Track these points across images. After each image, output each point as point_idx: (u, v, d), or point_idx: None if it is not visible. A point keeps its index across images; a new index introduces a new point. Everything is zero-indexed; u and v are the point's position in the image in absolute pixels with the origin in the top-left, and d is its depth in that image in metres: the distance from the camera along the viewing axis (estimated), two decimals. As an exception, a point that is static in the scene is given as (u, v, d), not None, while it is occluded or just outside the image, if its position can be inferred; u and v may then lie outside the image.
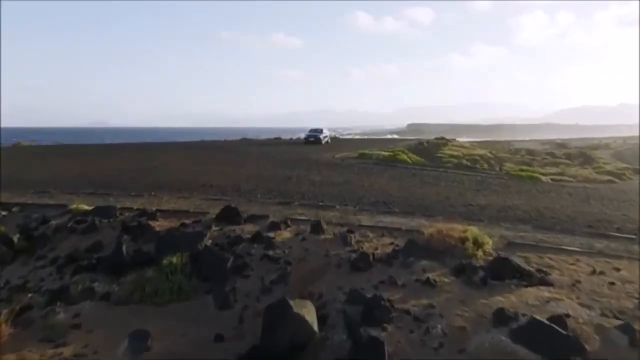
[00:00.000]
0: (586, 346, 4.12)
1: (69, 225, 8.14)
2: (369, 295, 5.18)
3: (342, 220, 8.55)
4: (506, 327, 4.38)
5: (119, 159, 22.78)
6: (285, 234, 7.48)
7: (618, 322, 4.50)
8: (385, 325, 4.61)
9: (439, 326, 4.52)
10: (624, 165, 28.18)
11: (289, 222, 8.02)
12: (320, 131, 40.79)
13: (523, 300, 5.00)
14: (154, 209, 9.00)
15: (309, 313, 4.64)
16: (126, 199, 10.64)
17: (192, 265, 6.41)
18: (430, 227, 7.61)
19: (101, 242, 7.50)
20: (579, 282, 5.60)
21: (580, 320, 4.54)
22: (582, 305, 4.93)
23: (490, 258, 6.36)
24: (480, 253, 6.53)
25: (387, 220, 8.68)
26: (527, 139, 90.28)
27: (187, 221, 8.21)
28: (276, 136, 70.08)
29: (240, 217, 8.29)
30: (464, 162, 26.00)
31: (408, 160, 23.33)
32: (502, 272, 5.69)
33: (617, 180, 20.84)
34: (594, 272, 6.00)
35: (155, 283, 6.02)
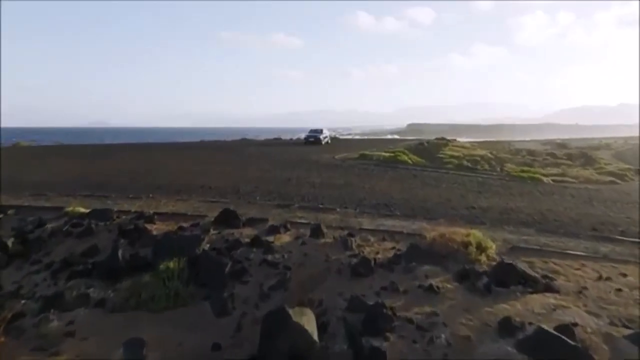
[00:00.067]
0: (595, 357, 3.98)
1: (64, 229, 8.01)
2: (371, 303, 5.05)
3: (342, 223, 8.42)
4: (512, 338, 4.24)
5: (117, 159, 22.65)
6: (285, 238, 7.35)
7: (627, 332, 4.37)
8: (387, 334, 4.47)
9: (443, 336, 4.39)
10: (626, 166, 28.02)
11: (288, 226, 7.89)
12: (320, 131, 40.66)
13: (529, 308, 4.87)
14: (151, 211, 8.88)
15: (308, 322, 4.50)
16: (124, 201, 10.51)
17: (189, 271, 6.26)
18: (432, 231, 7.49)
19: (97, 246, 7.35)
20: (586, 288, 5.46)
21: (589, 330, 4.41)
22: (589, 313, 4.79)
23: (494, 263, 6.24)
24: (483, 258, 6.41)
25: (389, 223, 8.55)
26: (527, 139, 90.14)
27: (185, 224, 8.08)
28: (276, 136, 69.98)
29: (239, 220, 8.16)
30: (465, 162, 25.84)
31: (409, 161, 23.18)
32: (507, 278, 5.56)
33: (619, 181, 20.68)
34: (600, 277, 5.87)
35: (151, 289, 5.87)
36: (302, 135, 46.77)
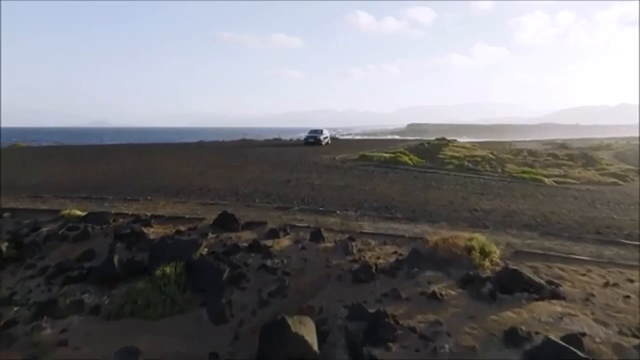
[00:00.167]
0: (605, 369, 3.86)
1: (60, 233, 7.87)
2: (372, 311, 4.91)
3: (343, 226, 8.27)
4: (519, 348, 4.10)
5: (116, 160, 22.52)
6: (284, 242, 7.21)
7: (637, 342, 4.23)
8: (389, 344, 4.33)
9: (446, 346, 4.25)
10: (628, 167, 27.89)
11: (287, 229, 7.75)
12: (320, 132, 40.52)
13: (535, 317, 4.72)
14: (148, 214, 8.74)
15: (308, 331, 4.36)
16: (121, 203, 10.38)
17: (186, 276, 6.13)
18: (434, 235, 7.35)
19: (93, 250, 7.21)
20: (593, 295, 5.32)
21: (597, 340, 4.27)
22: (597, 322, 4.65)
23: (498, 268, 6.11)
24: (487, 263, 6.27)
25: (390, 226, 8.40)
26: (527, 139, 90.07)
27: (182, 228, 7.94)
28: (276, 136, 69.85)
29: (238, 223, 8.02)
30: (466, 163, 25.71)
31: (409, 162, 23.04)
32: (512, 284, 5.42)
33: (621, 182, 20.54)
34: (607, 283, 5.72)
35: (147, 295, 5.74)
36: (302, 136, 46.67)
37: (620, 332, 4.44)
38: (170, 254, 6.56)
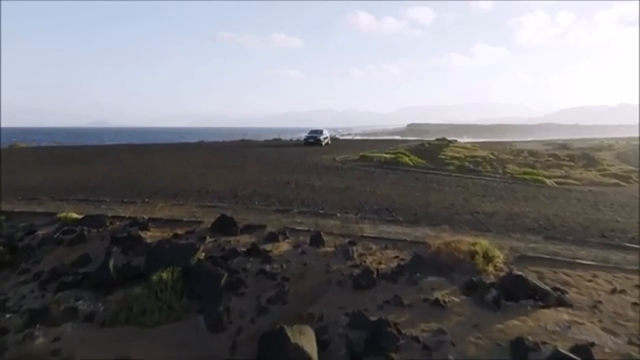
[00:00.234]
0: (615, 381, 3.72)
1: (55, 236, 7.73)
2: (374, 319, 4.77)
3: (343, 230, 8.14)
4: (526, 360, 3.96)
5: (115, 161, 22.39)
6: (283, 246, 7.07)
7: (648, 352, 4.10)
8: (391, 354, 4.19)
9: (451, 357, 4.11)
10: (630, 168, 27.77)
11: (287, 233, 7.61)
12: (320, 132, 40.40)
13: (542, 325, 4.58)
14: (146, 217, 8.60)
15: (308, 341, 4.23)
16: (118, 206, 10.24)
17: (183, 282, 5.99)
18: (436, 239, 7.22)
19: (89, 254, 7.07)
20: (600, 302, 5.18)
21: (607, 350, 4.13)
22: (606, 331, 4.51)
23: (502, 273, 5.97)
24: (490, 268, 6.14)
25: (391, 230, 8.27)
26: (528, 139, 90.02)
27: (180, 232, 7.80)
28: (276, 136, 69.72)
29: (236, 227, 7.87)
30: (467, 164, 25.59)
31: (410, 162, 22.92)
32: (517, 291, 5.27)
33: (623, 183, 20.43)
34: (614, 290, 5.58)
35: (143, 302, 5.59)
36: (302, 136, 46.56)
37: (630, 342, 4.30)
38: (167, 259, 6.42)
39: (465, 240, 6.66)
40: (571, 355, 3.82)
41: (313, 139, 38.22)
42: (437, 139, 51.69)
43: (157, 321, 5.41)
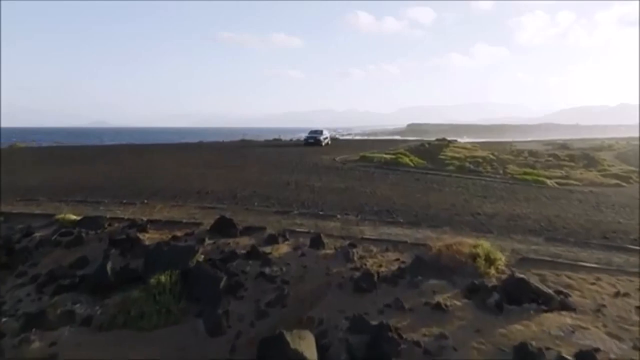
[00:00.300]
0: (621, 388, 3.65)
1: (53, 238, 7.66)
2: (374, 323, 4.71)
3: (343, 231, 8.08)
4: (530, 366, 3.90)
5: (114, 161, 22.31)
6: (283, 249, 7.01)
7: (653, 358, 4.03)
8: (393, 360, 4.13)
9: (453, 363, 4.04)
10: (630, 168, 27.71)
11: (287, 235, 7.54)
12: (320, 132, 40.33)
13: (545, 330, 4.52)
14: (144, 219, 8.54)
15: (308, 347, 4.16)
16: (117, 207, 10.18)
17: (182, 285, 5.92)
18: (437, 241, 7.16)
19: (86, 257, 7.00)
20: (604, 306, 5.11)
21: (612, 356, 4.07)
22: (610, 335, 4.44)
23: (504, 276, 5.91)
24: (492, 271, 6.07)
25: (392, 231, 8.20)
26: (528, 139, 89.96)
27: (179, 233, 7.73)
28: (276, 137, 69.64)
29: (236, 228, 7.81)
30: (467, 164, 25.52)
31: (410, 163, 22.85)
32: (519, 294, 5.21)
33: (624, 184, 20.36)
34: (617, 293, 5.52)
35: (141, 305, 5.53)
36: (302, 136, 46.51)
37: (635, 347, 4.24)
38: (166, 261, 6.35)
39: (467, 242, 6.59)
40: (575, 361, 3.76)
41: (313, 139, 38.16)
42: (437, 139, 51.64)
43: (155, 325, 5.34)
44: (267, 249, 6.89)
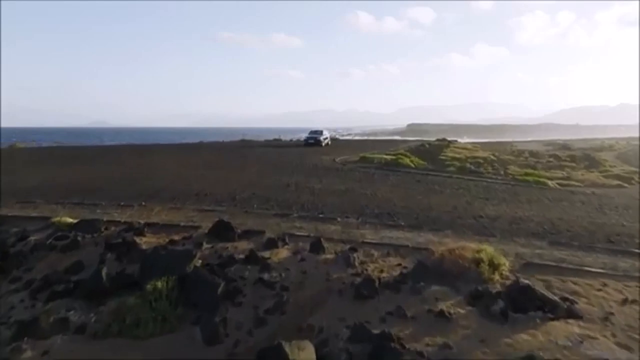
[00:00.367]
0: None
1: (48, 242, 7.52)
2: (376, 332, 4.58)
3: (343, 235, 7.94)
4: (538, 379, 3.76)
5: (113, 163, 22.17)
6: (282, 253, 6.87)
7: (665, 369, 3.90)
8: (395, 371, 4.00)
9: (458, 375, 3.91)
10: (631, 169, 27.56)
11: (286, 239, 7.41)
12: (320, 133, 40.21)
13: (552, 340, 4.38)
14: (142, 222, 8.40)
15: (307, 356, 4.04)
16: (114, 209, 10.04)
17: (179, 291, 5.79)
18: (440, 245, 7.04)
19: (82, 261, 6.87)
20: (612, 314, 4.98)
21: (622, 367, 3.94)
22: (620, 345, 4.31)
23: (508, 282, 5.78)
24: (496, 276, 5.94)
25: (393, 235, 8.06)
26: (528, 139, 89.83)
27: (176, 237, 7.60)
28: (276, 137, 69.49)
29: (234, 232, 7.68)
30: (468, 165, 25.38)
31: (411, 164, 22.71)
32: (524, 302, 5.07)
33: (626, 184, 20.21)
34: (625, 300, 5.38)
35: (137, 312, 5.39)
36: (303, 136, 46.40)
37: (645, 358, 4.11)
38: (163, 266, 6.23)
39: (470, 247, 6.46)
40: (585, 374, 3.63)
41: (313, 140, 38.05)
42: (438, 140, 51.50)
43: (150, 333, 5.21)
44: (266, 254, 6.76)
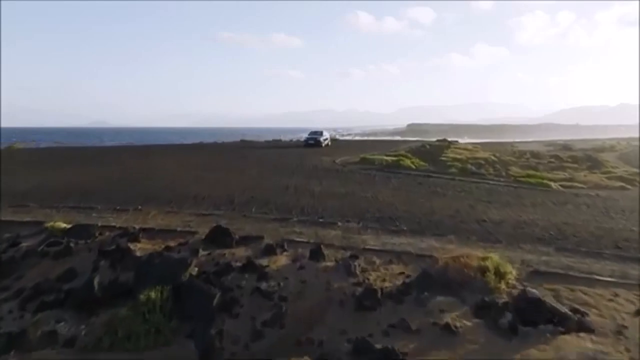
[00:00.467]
0: None
1: (40, 249, 7.30)
2: (379, 346, 4.38)
3: (344, 241, 7.72)
4: (551, 401, 3.55)
5: (111, 164, 21.93)
6: (281, 260, 6.65)
7: (685, 390, 3.68)
8: (399, 391, 3.79)
9: (466, 395, 3.70)
10: (634, 170, 27.34)
11: (285, 245, 7.19)
12: (320, 133, 39.99)
13: (564, 356, 4.17)
14: (137, 227, 8.16)
15: (307, 376, 3.82)
16: (110, 214, 9.82)
17: (173, 301, 5.59)
18: (443, 252, 6.84)
19: (75, 269, 6.67)
20: (624, 327, 4.77)
21: (639, 388, 3.72)
22: (635, 362, 4.10)
23: (515, 291, 5.57)
24: (503, 286, 5.74)
25: (395, 241, 7.84)
26: (528, 139, 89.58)
27: (172, 243, 7.38)
28: (276, 137, 69.28)
29: (232, 238, 7.46)
30: (469, 166, 25.13)
31: (412, 165, 22.46)
32: (533, 315, 4.87)
33: (629, 186, 19.98)
34: (638, 312, 5.16)
35: (129, 324, 5.19)
36: (303, 136, 46.20)
37: (663, 377, 3.89)
38: (158, 274, 6.03)
39: (475, 255, 6.26)
40: (602, 396, 3.41)
41: (313, 141, 37.82)
42: (438, 140, 51.23)
43: (143, 346, 5.02)
44: (264, 261, 6.54)
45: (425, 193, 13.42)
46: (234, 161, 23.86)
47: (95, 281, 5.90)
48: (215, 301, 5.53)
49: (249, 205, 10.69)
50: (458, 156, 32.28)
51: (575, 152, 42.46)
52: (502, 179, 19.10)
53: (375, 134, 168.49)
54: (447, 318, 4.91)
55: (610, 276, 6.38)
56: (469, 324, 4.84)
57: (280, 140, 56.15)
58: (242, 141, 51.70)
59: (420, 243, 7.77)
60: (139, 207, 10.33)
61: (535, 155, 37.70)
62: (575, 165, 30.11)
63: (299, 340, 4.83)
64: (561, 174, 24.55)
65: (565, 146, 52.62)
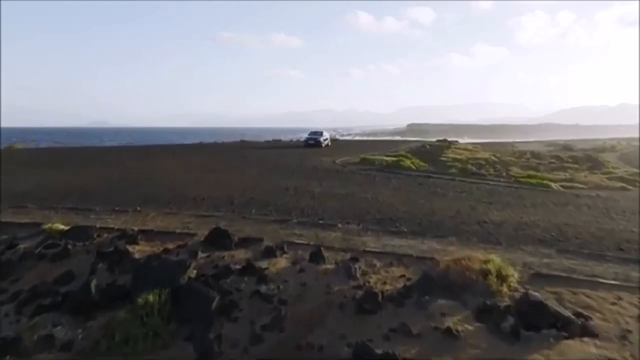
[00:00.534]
0: None
1: (37, 251, 7.24)
2: (379, 352, 4.31)
3: (344, 243, 7.66)
4: (555, 408, 3.49)
5: (110, 165, 21.89)
6: (281, 263, 6.59)
7: (691, 396, 3.62)
8: (401, 398, 3.72)
9: (468, 402, 3.64)
10: (634, 170, 27.29)
11: (285, 248, 7.13)
12: (320, 134, 39.99)
13: (568, 362, 4.11)
14: (135, 229, 8.11)
15: (306, 382, 3.76)
16: (108, 215, 9.76)
17: (171, 304, 5.52)
18: (444, 254, 6.77)
19: (72, 271, 6.60)
20: (629, 331, 4.71)
21: (644, 394, 3.66)
22: (641, 368, 4.04)
23: (517, 294, 5.51)
24: (504, 289, 5.67)
25: (395, 243, 7.78)
26: (529, 139, 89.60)
27: (170, 246, 7.31)
28: (276, 137, 69.25)
29: (231, 240, 7.39)
30: (469, 167, 25.09)
31: (412, 165, 22.41)
32: (536, 319, 4.80)
33: (630, 187, 19.95)
34: (642, 316, 5.11)
35: (127, 328, 5.12)
36: (303, 136, 46.20)
37: (669, 383, 3.83)
38: (156, 277, 5.96)
39: (476, 257, 6.18)
40: (607, 404, 3.35)
41: (313, 141, 37.83)
42: (438, 140, 51.21)
43: (141, 350, 4.95)
44: (264, 264, 6.48)
45: (425, 194, 13.36)
46: (234, 161, 23.82)
47: (93, 284, 5.84)
48: (214, 304, 5.47)
49: (248, 207, 10.63)
50: (458, 156, 32.25)
51: (576, 152, 42.45)
52: (502, 180, 19.05)
53: (375, 134, 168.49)
54: (449, 322, 4.84)
55: (613, 279, 6.32)
56: (470, 328, 4.78)
57: (280, 141, 56.14)
58: (242, 141, 51.68)
59: (421, 245, 7.71)
60: (138, 208, 10.28)
61: (535, 155, 37.67)
62: (576, 166, 30.08)
63: (298, 344, 4.76)
64: (562, 175, 24.52)
65: (566, 146, 52.60)
